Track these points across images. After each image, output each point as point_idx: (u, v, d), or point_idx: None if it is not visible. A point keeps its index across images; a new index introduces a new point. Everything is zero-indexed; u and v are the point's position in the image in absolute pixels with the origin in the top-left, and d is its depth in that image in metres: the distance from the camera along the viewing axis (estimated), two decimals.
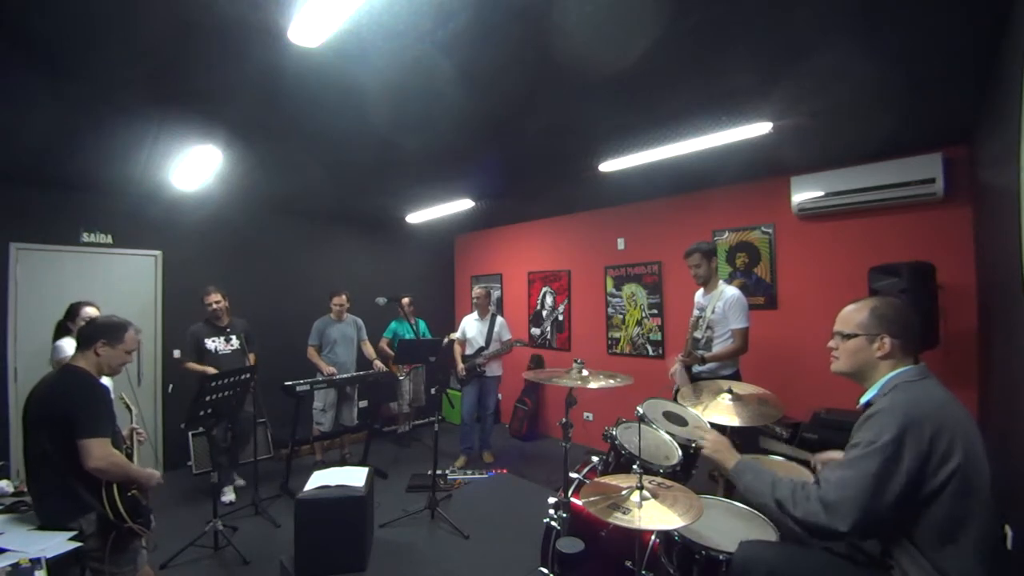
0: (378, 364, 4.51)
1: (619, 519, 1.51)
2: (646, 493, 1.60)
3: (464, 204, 4.83)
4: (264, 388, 3.83)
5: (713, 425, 2.27)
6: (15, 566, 1.49)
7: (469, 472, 4.39)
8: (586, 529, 2.08)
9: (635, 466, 1.68)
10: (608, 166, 3.48)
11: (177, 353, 4.38)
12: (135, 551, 1.92)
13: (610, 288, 5.04)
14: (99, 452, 1.77)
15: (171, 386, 4.44)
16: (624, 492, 1.64)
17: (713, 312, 3.00)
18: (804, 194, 3.50)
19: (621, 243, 4.95)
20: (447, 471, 4.31)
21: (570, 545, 1.94)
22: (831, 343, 1.52)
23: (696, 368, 3.02)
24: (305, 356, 4.36)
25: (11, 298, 3.76)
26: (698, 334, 3.08)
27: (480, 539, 3.15)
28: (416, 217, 5.52)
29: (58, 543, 1.65)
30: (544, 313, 5.78)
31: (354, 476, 2.97)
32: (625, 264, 4.89)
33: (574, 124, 2.83)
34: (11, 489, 2.13)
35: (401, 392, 5.25)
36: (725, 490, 2.38)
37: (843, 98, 2.42)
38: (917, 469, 1.19)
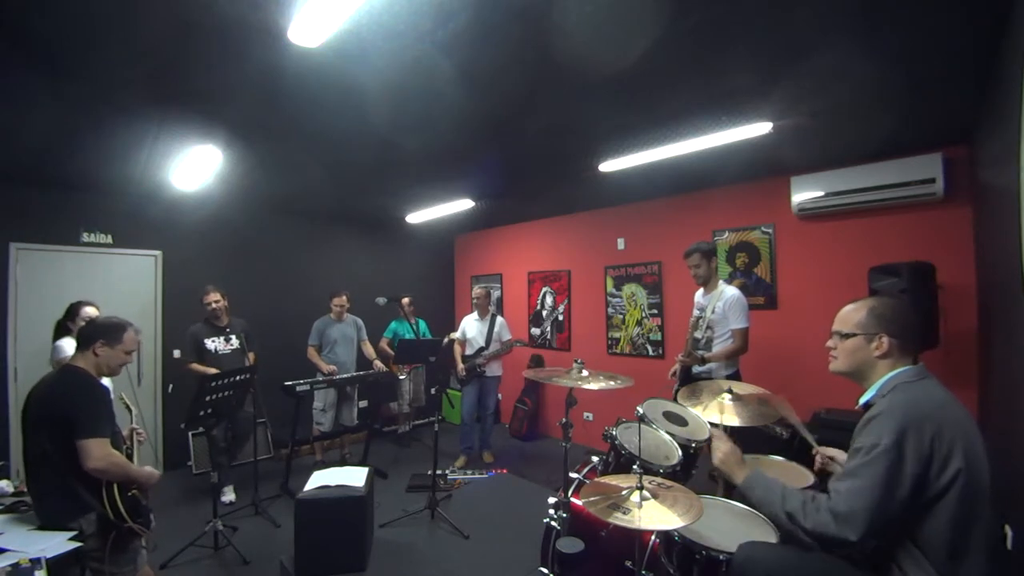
0: (378, 364, 4.51)
1: (619, 519, 1.51)
2: (646, 493, 1.59)
3: (464, 204, 4.83)
4: (264, 388, 3.83)
5: (715, 426, 2.27)
6: (15, 566, 1.49)
7: (469, 472, 4.39)
8: (586, 529, 2.08)
9: (635, 466, 1.68)
10: (608, 166, 3.48)
11: (177, 353, 4.38)
12: (135, 551, 1.92)
13: (610, 288, 5.04)
14: (98, 452, 1.77)
15: (171, 386, 4.44)
16: (624, 492, 1.64)
17: (713, 312, 3.00)
18: (804, 194, 3.50)
19: (621, 243, 4.95)
20: (447, 471, 4.31)
21: (570, 545, 1.94)
22: (829, 343, 1.52)
23: (696, 368, 3.02)
24: (305, 356, 4.36)
25: (11, 298, 3.76)
26: (698, 334, 3.08)
27: (480, 539, 3.15)
28: (416, 217, 5.52)
29: (58, 543, 1.65)
30: (544, 313, 5.78)
31: (354, 476, 2.97)
32: (625, 264, 4.89)
33: (574, 124, 2.83)
34: (11, 489, 2.13)
35: (401, 392, 5.25)
36: (725, 490, 2.37)
37: (843, 98, 2.42)
38: (920, 471, 1.19)
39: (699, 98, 2.46)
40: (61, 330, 2.99)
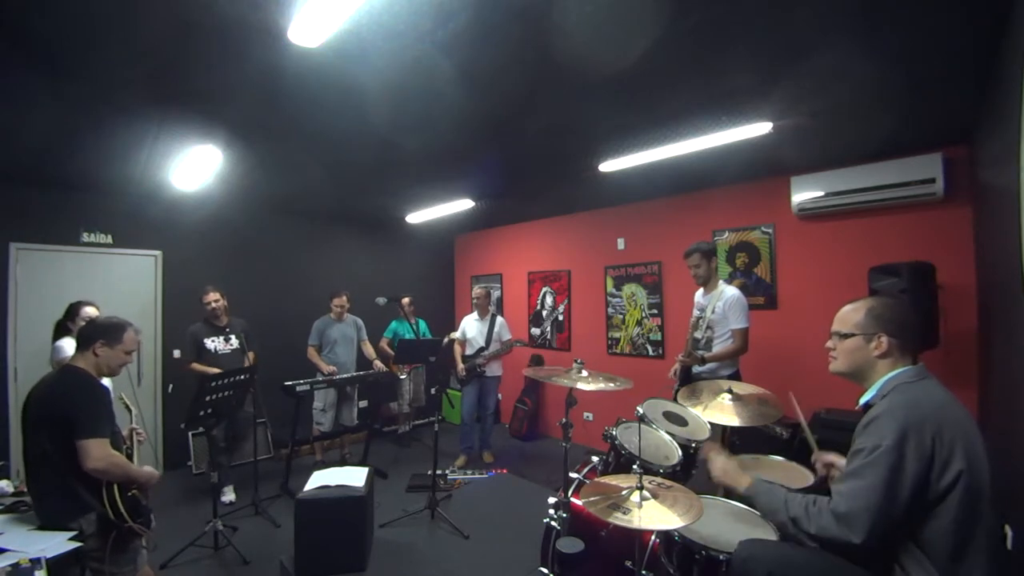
0: (378, 364, 4.51)
1: (619, 519, 1.51)
2: (646, 493, 1.60)
3: (464, 204, 4.83)
4: (264, 388, 3.83)
5: (713, 426, 2.28)
6: (15, 566, 1.49)
7: (469, 472, 4.39)
8: (586, 529, 2.08)
9: (635, 466, 1.68)
10: (608, 166, 3.48)
11: (177, 353, 4.38)
12: (135, 551, 1.92)
13: (610, 288, 5.04)
14: (98, 452, 1.76)
15: (171, 386, 4.44)
16: (624, 492, 1.64)
17: (713, 312, 3.00)
18: (804, 194, 3.50)
19: (621, 243, 4.95)
20: (447, 471, 4.32)
21: (570, 545, 1.94)
22: (829, 343, 1.52)
23: (696, 368, 3.02)
24: (305, 356, 4.36)
25: (11, 298, 3.76)
26: (698, 334, 3.08)
27: (480, 539, 3.15)
28: (416, 217, 5.52)
29: (58, 543, 1.65)
30: (544, 313, 5.78)
31: (354, 476, 2.97)
32: (625, 264, 4.89)
33: (574, 124, 2.83)
34: (11, 489, 2.13)
35: (401, 392, 5.25)
36: (725, 490, 2.37)
37: (843, 98, 2.42)
38: (922, 472, 1.19)
39: (699, 98, 2.46)
40: (61, 330, 2.99)
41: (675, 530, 1.64)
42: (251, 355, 3.86)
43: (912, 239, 3.15)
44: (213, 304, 3.78)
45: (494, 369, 4.67)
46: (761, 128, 2.71)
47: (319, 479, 2.91)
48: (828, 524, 1.25)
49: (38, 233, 3.90)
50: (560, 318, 5.57)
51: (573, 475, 2.34)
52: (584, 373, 2.38)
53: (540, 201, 5.04)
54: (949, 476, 1.19)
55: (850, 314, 1.46)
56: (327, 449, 4.68)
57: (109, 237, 4.22)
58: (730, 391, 2.23)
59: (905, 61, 2.06)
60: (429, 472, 3.58)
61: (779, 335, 3.68)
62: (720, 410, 2.14)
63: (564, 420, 2.55)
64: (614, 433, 2.26)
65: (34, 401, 1.85)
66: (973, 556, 1.18)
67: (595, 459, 2.44)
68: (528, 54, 2.02)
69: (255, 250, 5.04)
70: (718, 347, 3.00)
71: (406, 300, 4.74)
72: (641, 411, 2.06)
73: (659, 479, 1.76)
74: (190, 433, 4.36)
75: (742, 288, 3.22)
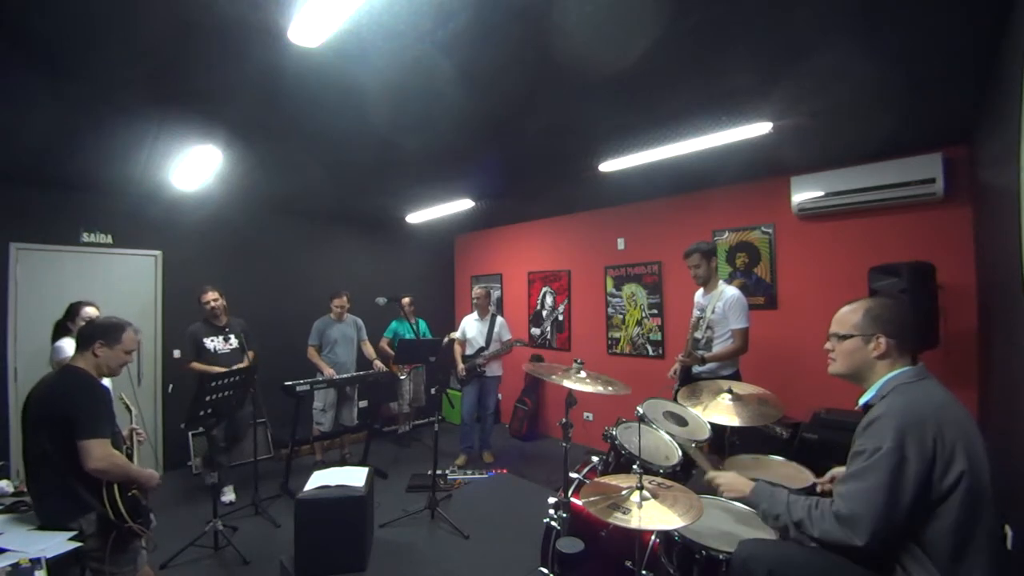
0: (378, 364, 4.51)
1: (619, 519, 1.51)
2: (646, 493, 1.60)
3: (464, 204, 4.83)
4: (264, 388, 3.83)
5: (713, 426, 2.28)
6: (15, 566, 1.49)
7: (469, 472, 4.39)
8: (586, 529, 2.08)
9: (635, 466, 1.69)
10: (608, 166, 3.48)
11: (177, 353, 4.38)
12: (135, 551, 1.92)
13: (610, 288, 5.04)
14: (99, 452, 1.77)
15: (171, 386, 4.44)
16: (624, 492, 1.64)
17: (713, 312, 3.00)
18: (804, 194, 3.50)
19: (621, 243, 4.95)
20: (447, 471, 4.32)
21: (570, 545, 1.94)
22: (827, 345, 1.52)
23: (696, 368, 3.02)
24: (305, 356, 4.36)
25: (11, 298, 3.76)
26: (698, 334, 3.08)
27: (480, 539, 3.15)
28: (416, 217, 5.52)
29: (58, 543, 1.65)
30: (544, 313, 5.78)
31: (354, 476, 2.97)
32: (625, 264, 4.89)
33: (574, 124, 2.83)
34: (11, 489, 2.13)
35: (401, 392, 5.25)
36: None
37: (843, 98, 2.42)
38: (924, 473, 1.19)
39: (699, 98, 2.46)
40: (61, 330, 2.99)
41: (675, 530, 1.64)
42: (250, 354, 3.86)
43: (912, 239, 3.15)
44: (212, 304, 3.78)
45: (494, 369, 4.67)
46: (761, 128, 2.71)
47: (319, 479, 2.91)
48: (831, 527, 1.25)
49: (38, 233, 3.90)
50: (560, 318, 5.57)
51: (573, 475, 2.34)
52: (583, 374, 2.38)
53: (540, 201, 5.04)
54: (951, 476, 1.19)
55: (848, 315, 1.46)
56: (327, 449, 4.68)
57: (109, 237, 4.22)
58: (730, 391, 2.23)
59: (905, 61, 2.06)
60: (429, 472, 3.58)
61: (779, 335, 3.68)
62: (720, 410, 2.14)
63: (564, 420, 2.55)
64: (614, 433, 2.26)
65: (34, 401, 1.85)
66: (974, 556, 1.18)
67: (595, 459, 2.44)
68: (528, 54, 2.02)
69: (255, 250, 5.04)
70: (718, 347, 3.00)
71: (406, 300, 4.74)
72: (641, 411, 2.06)
73: (659, 479, 1.76)
74: (190, 433, 4.37)
75: (742, 288, 3.22)
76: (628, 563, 1.92)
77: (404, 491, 3.93)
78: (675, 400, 2.52)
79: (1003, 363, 2.14)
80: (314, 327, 4.44)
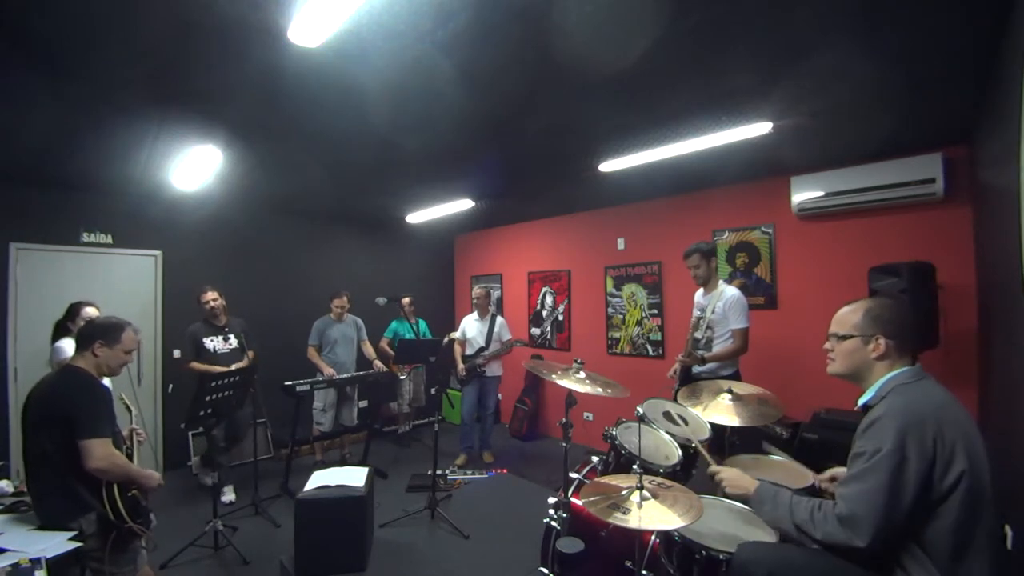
0: (378, 364, 4.51)
1: (619, 519, 1.51)
2: (646, 493, 1.59)
3: (464, 204, 4.83)
4: (264, 388, 3.83)
5: (713, 426, 2.27)
6: (15, 566, 1.49)
7: (469, 472, 4.39)
8: (586, 529, 2.08)
9: (635, 466, 1.68)
10: (608, 166, 3.48)
11: (177, 353, 4.38)
12: (135, 551, 1.92)
13: (610, 288, 5.04)
14: (100, 452, 1.77)
15: (171, 386, 4.44)
16: (624, 492, 1.64)
17: (713, 312, 3.00)
18: (804, 194, 3.50)
19: (621, 243, 4.95)
20: (447, 471, 4.32)
21: (570, 545, 1.94)
22: (827, 345, 1.52)
23: (696, 368, 3.02)
24: (305, 356, 4.36)
25: (11, 298, 3.76)
26: (698, 334, 3.08)
27: (480, 539, 3.15)
28: (416, 217, 5.52)
29: (58, 543, 1.65)
30: (544, 313, 5.78)
31: (354, 476, 2.97)
32: (625, 264, 4.89)
33: (574, 124, 2.83)
34: (11, 489, 2.13)
35: (401, 392, 5.25)
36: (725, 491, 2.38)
37: (843, 98, 2.42)
38: (925, 473, 1.19)
39: (699, 98, 2.46)
40: (61, 331, 2.99)
41: (675, 530, 1.64)
42: (250, 354, 3.86)
43: (912, 239, 3.15)
44: (211, 303, 3.78)
45: (494, 369, 4.67)
46: (761, 128, 2.71)
47: (319, 479, 2.91)
48: (833, 529, 1.25)
49: (38, 233, 3.90)
50: (560, 318, 5.57)
51: (573, 475, 2.34)
52: (581, 375, 2.38)
53: (540, 201, 5.04)
54: (951, 476, 1.19)
55: (848, 315, 1.46)
56: (327, 449, 4.68)
57: (109, 237, 4.22)
58: (730, 391, 2.23)
59: (905, 61, 2.06)
60: (429, 472, 3.58)
61: (779, 335, 3.68)
62: (720, 410, 2.14)
63: (564, 420, 2.55)
64: (614, 433, 2.25)
65: (35, 401, 1.85)
66: (974, 556, 1.18)
67: (595, 459, 2.44)
68: (528, 54, 2.02)
69: (255, 250, 5.04)
70: (718, 347, 3.00)
71: (406, 300, 4.74)
72: (641, 411, 2.06)
73: (659, 479, 1.76)
74: (190, 433, 4.37)
75: (742, 288, 3.22)
76: (628, 563, 1.92)
77: (404, 491, 3.93)
78: (675, 400, 2.52)
79: (1003, 363, 2.14)
80: (314, 327, 4.44)
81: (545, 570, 2.20)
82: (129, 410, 2.49)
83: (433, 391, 5.19)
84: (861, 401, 1.43)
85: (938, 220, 3.10)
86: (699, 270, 3.07)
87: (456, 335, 4.82)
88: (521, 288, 6.05)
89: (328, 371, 4.22)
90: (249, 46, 1.90)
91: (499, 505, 3.71)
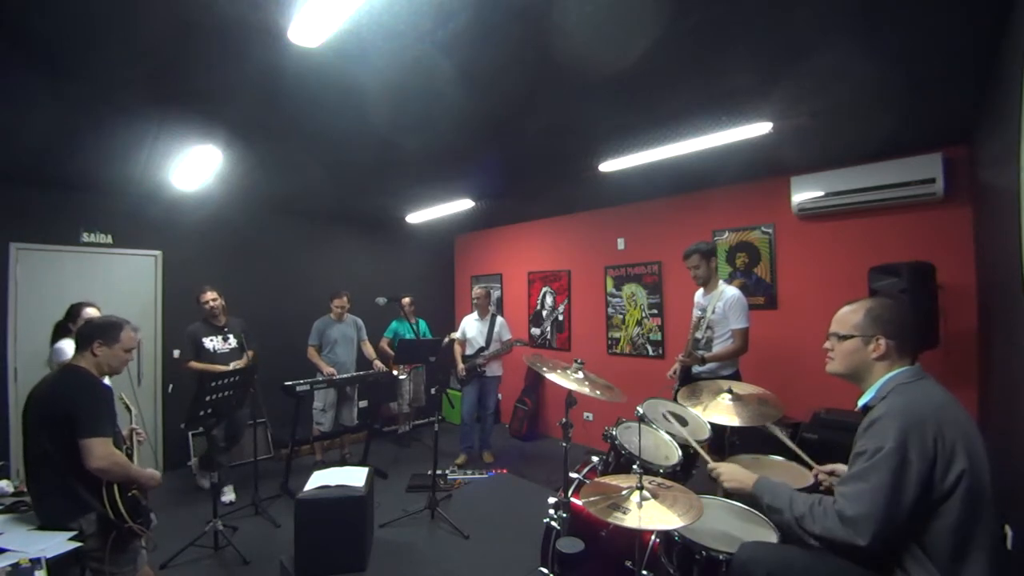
0: (378, 364, 4.51)
1: (619, 519, 1.51)
2: (646, 493, 1.60)
3: (464, 204, 4.83)
4: (264, 388, 3.83)
5: (713, 426, 2.27)
6: (15, 566, 1.49)
7: (469, 472, 4.39)
8: (586, 529, 2.08)
9: (635, 466, 1.68)
10: (608, 166, 3.48)
11: (177, 353, 4.38)
12: (135, 551, 1.92)
13: (610, 288, 5.04)
14: (101, 451, 1.77)
15: (171, 386, 4.44)
16: (624, 492, 1.64)
17: (713, 312, 3.00)
18: (804, 194, 3.50)
19: (621, 243, 4.95)
20: (447, 471, 4.31)
21: (570, 545, 1.94)
22: (827, 344, 1.52)
23: (696, 368, 3.02)
24: (305, 356, 4.36)
25: (11, 298, 3.76)
26: (698, 334, 3.08)
27: (480, 539, 3.15)
28: (416, 217, 5.52)
29: (58, 543, 1.65)
30: (544, 313, 5.78)
31: (354, 476, 2.97)
32: (625, 264, 4.89)
33: (574, 124, 2.83)
34: (11, 489, 2.13)
35: (401, 392, 5.25)
36: (724, 491, 2.38)
37: (843, 98, 2.42)
38: (926, 473, 1.19)
39: (699, 98, 2.46)
40: (61, 331, 2.98)
41: (675, 530, 1.64)
42: (250, 353, 3.87)
43: (912, 239, 3.15)
44: (210, 303, 3.78)
45: (494, 369, 4.67)
46: (761, 128, 2.71)
47: (319, 479, 2.91)
48: (833, 526, 1.25)
49: (38, 233, 3.90)
50: (560, 318, 5.57)
51: (573, 475, 2.33)
52: (580, 375, 2.38)
53: (540, 201, 5.04)
54: (952, 476, 1.19)
55: (848, 315, 1.46)
56: (327, 449, 4.68)
57: (109, 237, 4.22)
58: (730, 391, 2.23)
59: (905, 61, 2.06)
60: (429, 472, 3.58)
61: (779, 335, 3.68)
62: (720, 410, 2.14)
63: (564, 420, 2.55)
64: (614, 433, 2.25)
65: (35, 401, 1.85)
66: (974, 556, 1.18)
67: (595, 459, 2.44)
68: (528, 54, 2.02)
69: (255, 250, 5.04)
70: (718, 347, 3.00)
71: (406, 300, 4.74)
72: (641, 411, 2.06)
73: (659, 479, 1.76)
74: (190, 433, 4.36)
75: (742, 288, 3.21)
76: (628, 563, 1.92)
77: (404, 491, 3.93)
78: (675, 400, 2.52)
79: (1003, 363, 2.14)
80: (314, 327, 4.44)
81: (545, 570, 2.20)
82: (129, 410, 2.49)
83: (433, 391, 5.20)
84: (861, 402, 1.43)
85: (938, 220, 3.10)
86: (699, 270, 3.07)
87: (456, 335, 4.82)
88: (521, 288, 6.05)
89: (328, 371, 4.22)
90: (249, 46, 1.90)
91: (499, 505, 3.71)
